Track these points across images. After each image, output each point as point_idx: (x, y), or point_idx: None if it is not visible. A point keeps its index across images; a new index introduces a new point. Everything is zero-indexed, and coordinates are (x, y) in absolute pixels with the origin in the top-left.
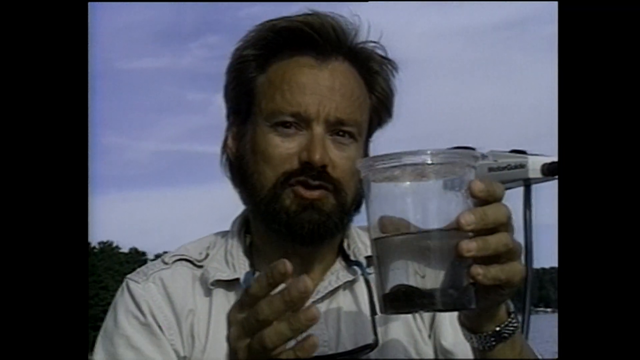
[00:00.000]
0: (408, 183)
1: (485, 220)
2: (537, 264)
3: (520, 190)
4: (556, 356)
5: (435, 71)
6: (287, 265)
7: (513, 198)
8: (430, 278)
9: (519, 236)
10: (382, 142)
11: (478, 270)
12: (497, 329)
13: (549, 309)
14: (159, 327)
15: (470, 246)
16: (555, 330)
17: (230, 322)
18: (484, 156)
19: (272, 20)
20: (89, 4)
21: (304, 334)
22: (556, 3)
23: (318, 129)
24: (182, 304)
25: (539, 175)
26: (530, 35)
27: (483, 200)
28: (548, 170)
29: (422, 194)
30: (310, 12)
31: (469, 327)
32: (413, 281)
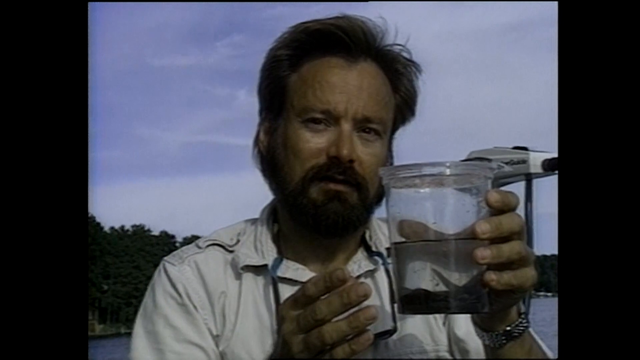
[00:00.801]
0: (427, 189)
1: (500, 229)
2: (538, 252)
3: (522, 184)
4: (556, 336)
5: (445, 71)
6: (346, 273)
7: (515, 191)
8: (446, 282)
9: None
10: (398, 136)
11: (492, 276)
12: (508, 328)
13: (549, 294)
14: (194, 307)
15: (485, 254)
16: (555, 312)
17: (283, 318)
18: (500, 167)
19: (305, 23)
20: (89, 3)
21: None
22: (556, 3)
23: (346, 126)
24: (215, 286)
25: (539, 170)
26: (534, 37)
27: (498, 210)
28: (548, 166)
29: (440, 200)
30: (341, 16)
31: (481, 326)
32: (430, 285)
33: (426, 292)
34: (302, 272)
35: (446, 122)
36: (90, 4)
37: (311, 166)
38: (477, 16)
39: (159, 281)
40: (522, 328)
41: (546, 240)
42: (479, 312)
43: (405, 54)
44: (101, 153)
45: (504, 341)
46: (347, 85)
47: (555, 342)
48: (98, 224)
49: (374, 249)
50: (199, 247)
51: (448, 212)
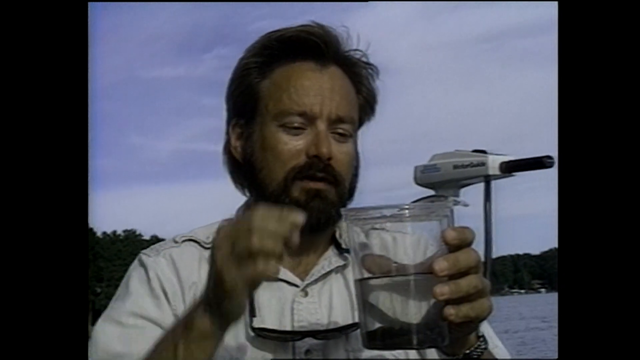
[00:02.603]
0: (387, 227)
1: (458, 265)
2: (510, 251)
3: (481, 186)
4: (529, 329)
5: (422, 79)
6: (302, 218)
7: (475, 192)
8: (407, 318)
9: (480, 227)
10: (377, 141)
11: (451, 311)
12: (467, 351)
13: (522, 291)
14: (165, 293)
15: (444, 290)
16: (527, 308)
17: (217, 247)
18: (456, 202)
19: (275, 31)
20: (89, 4)
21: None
22: (541, 13)
23: (322, 126)
24: (187, 277)
25: (497, 172)
26: (507, 48)
27: (456, 247)
28: (506, 168)
29: (400, 238)
30: (309, 23)
31: (443, 350)
32: (391, 321)
33: (389, 329)
34: None
35: (423, 128)
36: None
37: (292, 167)
38: (453, 27)
39: (134, 271)
40: (480, 350)
41: (517, 240)
42: (439, 345)
43: (364, 58)
44: (93, 161)
45: None
46: (321, 88)
47: (527, 334)
48: (91, 229)
49: (343, 246)
50: (176, 242)
51: (408, 249)
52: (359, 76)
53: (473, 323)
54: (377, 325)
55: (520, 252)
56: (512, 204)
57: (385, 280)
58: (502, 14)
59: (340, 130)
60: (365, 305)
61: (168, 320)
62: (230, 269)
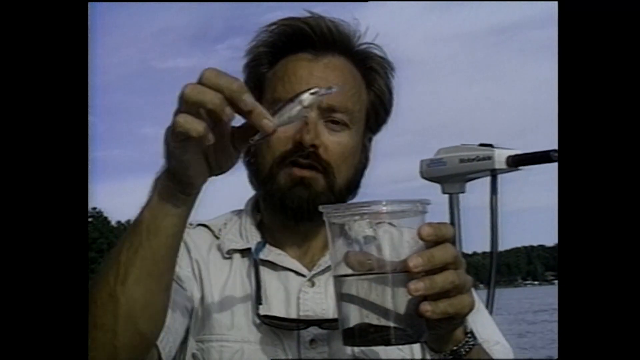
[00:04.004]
0: (365, 224)
1: (432, 261)
2: (524, 243)
3: (487, 179)
4: (541, 319)
5: (434, 71)
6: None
7: (482, 186)
8: (385, 315)
9: (486, 219)
10: (388, 134)
11: (427, 307)
12: (455, 348)
13: (535, 282)
14: (177, 275)
15: (418, 286)
16: (540, 300)
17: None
18: (426, 204)
19: (279, 22)
20: (90, 3)
21: None
22: (554, 4)
23: (312, 115)
24: (196, 256)
25: (504, 166)
26: (519, 39)
27: (432, 242)
28: (512, 162)
29: (379, 235)
30: (310, 15)
31: (431, 347)
32: (369, 318)
33: (367, 325)
34: (284, 258)
35: (435, 120)
36: (96, 9)
37: (279, 153)
38: (466, 18)
39: None
40: (468, 347)
41: (532, 232)
42: (418, 342)
43: (377, 52)
44: (107, 152)
45: None
46: (312, 76)
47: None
48: (105, 218)
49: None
50: (190, 224)
51: (386, 246)
52: (370, 70)
53: (454, 319)
54: (355, 323)
55: (534, 244)
56: (526, 195)
57: (363, 277)
58: (515, 5)
59: (334, 120)
60: (343, 302)
61: (180, 290)
62: (173, 121)
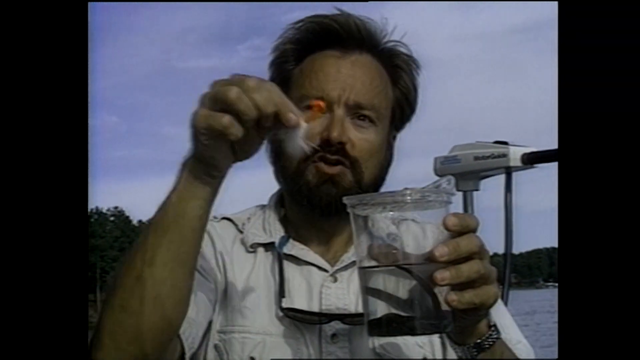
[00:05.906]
0: (390, 214)
1: (458, 251)
2: (546, 244)
3: (502, 177)
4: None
5: (456, 70)
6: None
7: (496, 184)
8: (411, 306)
9: (501, 218)
10: (411, 132)
11: (453, 296)
12: (478, 341)
13: (557, 284)
14: (202, 266)
15: (444, 275)
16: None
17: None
18: (450, 189)
19: (307, 19)
20: (89, 3)
21: None
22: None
23: (339, 112)
24: (220, 249)
25: (519, 164)
26: (541, 38)
27: (457, 233)
28: (527, 160)
29: (402, 226)
30: (338, 12)
31: (454, 339)
32: (394, 309)
33: (392, 316)
34: (307, 252)
35: (457, 119)
36: (119, 10)
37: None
38: (487, 18)
39: None
40: (492, 340)
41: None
42: (443, 332)
43: (404, 50)
44: (129, 151)
45: (475, 353)
46: (340, 74)
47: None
48: (127, 217)
49: (375, 234)
50: (215, 217)
51: (410, 238)
52: (396, 68)
53: (479, 310)
54: (381, 314)
55: (556, 246)
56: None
57: (388, 269)
58: (538, 4)
59: (361, 117)
60: (369, 294)
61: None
62: (204, 112)
